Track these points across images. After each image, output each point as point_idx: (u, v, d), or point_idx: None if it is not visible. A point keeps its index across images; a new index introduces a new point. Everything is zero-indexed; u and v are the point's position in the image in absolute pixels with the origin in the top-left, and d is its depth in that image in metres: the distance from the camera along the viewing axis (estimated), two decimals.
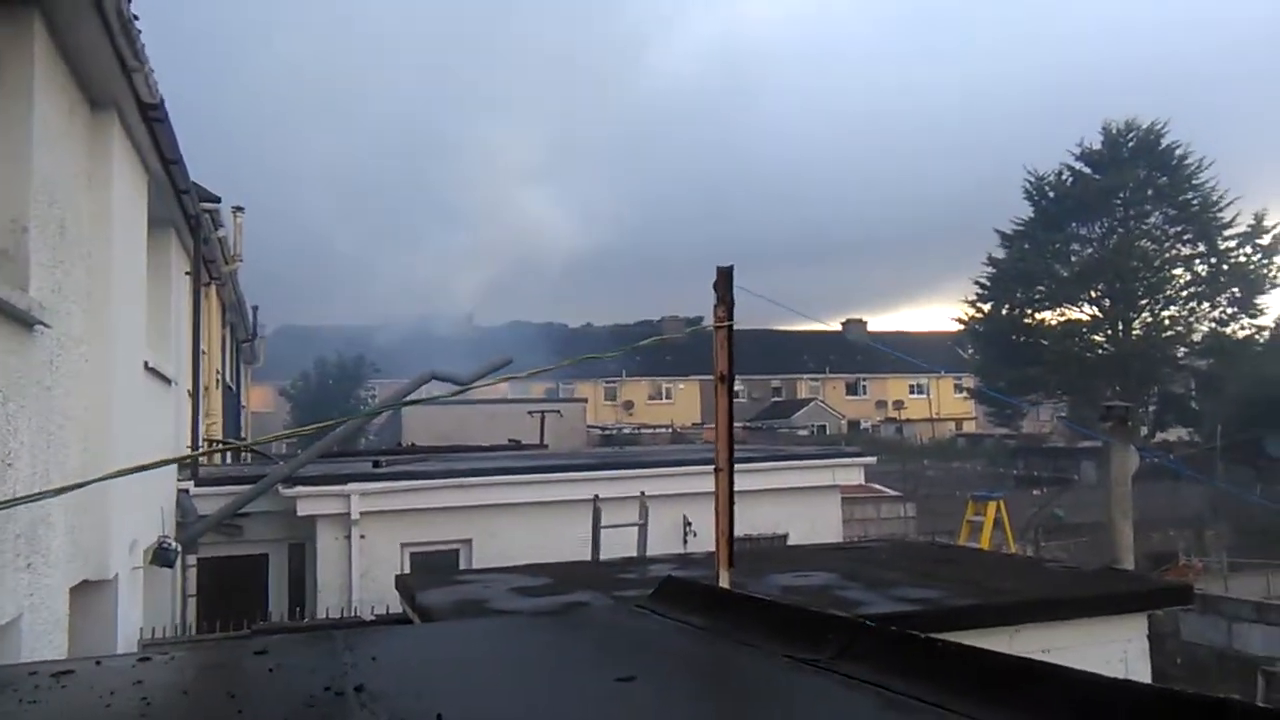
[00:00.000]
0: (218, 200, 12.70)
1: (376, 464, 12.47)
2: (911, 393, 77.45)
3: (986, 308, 50.43)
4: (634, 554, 9.61)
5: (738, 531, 12.90)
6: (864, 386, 79.51)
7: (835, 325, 75.61)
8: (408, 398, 11.35)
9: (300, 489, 10.70)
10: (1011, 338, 49.32)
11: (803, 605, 3.17)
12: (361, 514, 10.70)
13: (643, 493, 10.29)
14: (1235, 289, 45.77)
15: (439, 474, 11.47)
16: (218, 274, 14.00)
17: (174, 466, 10.40)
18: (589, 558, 9.73)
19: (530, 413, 22.86)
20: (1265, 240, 45.33)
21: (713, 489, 12.86)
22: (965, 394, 68.91)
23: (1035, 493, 34.11)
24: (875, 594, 6.44)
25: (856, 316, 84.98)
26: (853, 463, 13.43)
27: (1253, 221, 45.49)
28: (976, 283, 50.67)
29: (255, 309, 24.35)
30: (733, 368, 3.79)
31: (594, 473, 11.46)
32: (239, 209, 16.18)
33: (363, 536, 10.77)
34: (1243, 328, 46.52)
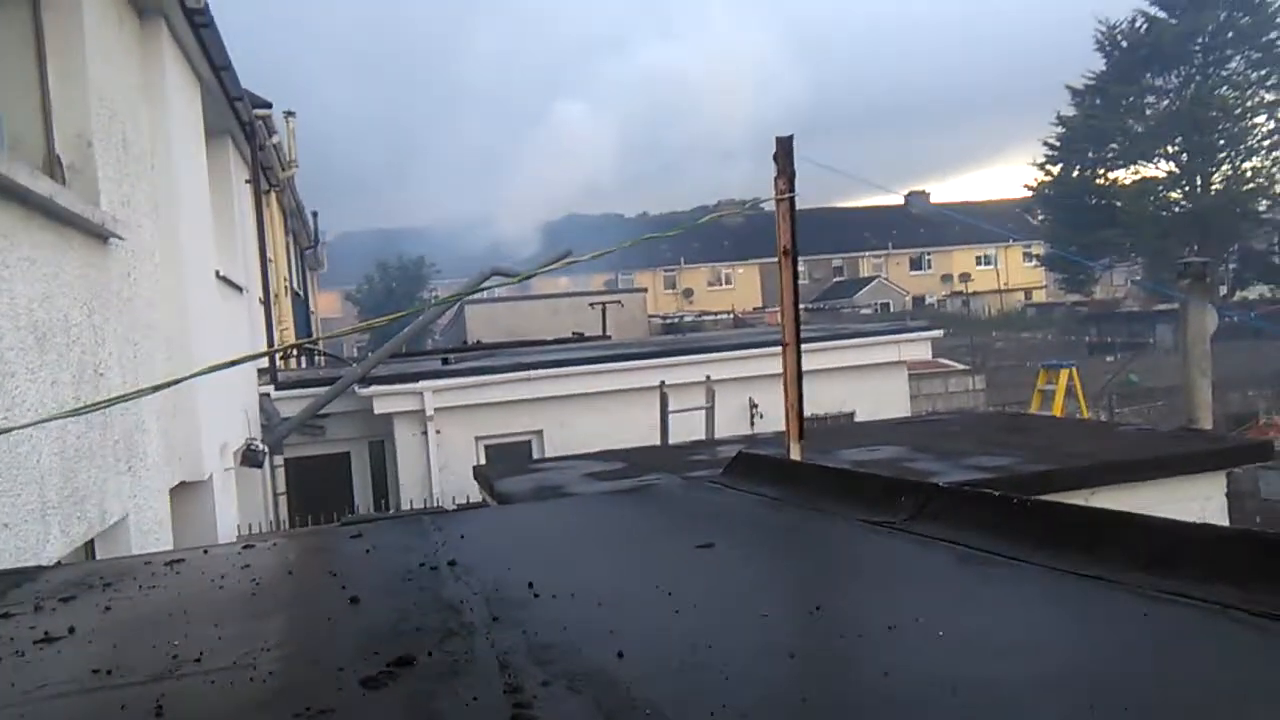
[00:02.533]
0: (269, 106, 12.73)
1: (446, 361, 12.73)
2: (979, 264, 75.61)
3: (1056, 170, 48.53)
4: (702, 437, 9.75)
5: (805, 412, 12.90)
6: (929, 261, 77.80)
7: (897, 198, 73.66)
8: (489, 295, 11.47)
9: (376, 388, 11.01)
10: (1084, 199, 47.52)
11: (873, 473, 3.20)
12: (436, 410, 10.99)
13: (708, 376, 10.36)
14: None
15: (508, 368, 11.68)
16: (276, 181, 14.13)
17: (254, 372, 10.76)
18: (658, 443, 9.90)
19: (592, 304, 22.98)
20: None
21: (777, 371, 12.86)
22: (1035, 262, 67.10)
23: (1109, 359, 33.45)
24: (947, 463, 6.46)
25: (919, 188, 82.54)
26: (919, 337, 13.29)
27: None
28: (1046, 144, 48.64)
29: (315, 214, 24.61)
30: (795, 242, 3.75)
31: (659, 359, 11.56)
32: (290, 114, 16.19)
33: (438, 431, 11.09)
34: None
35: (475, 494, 9.00)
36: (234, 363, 4.51)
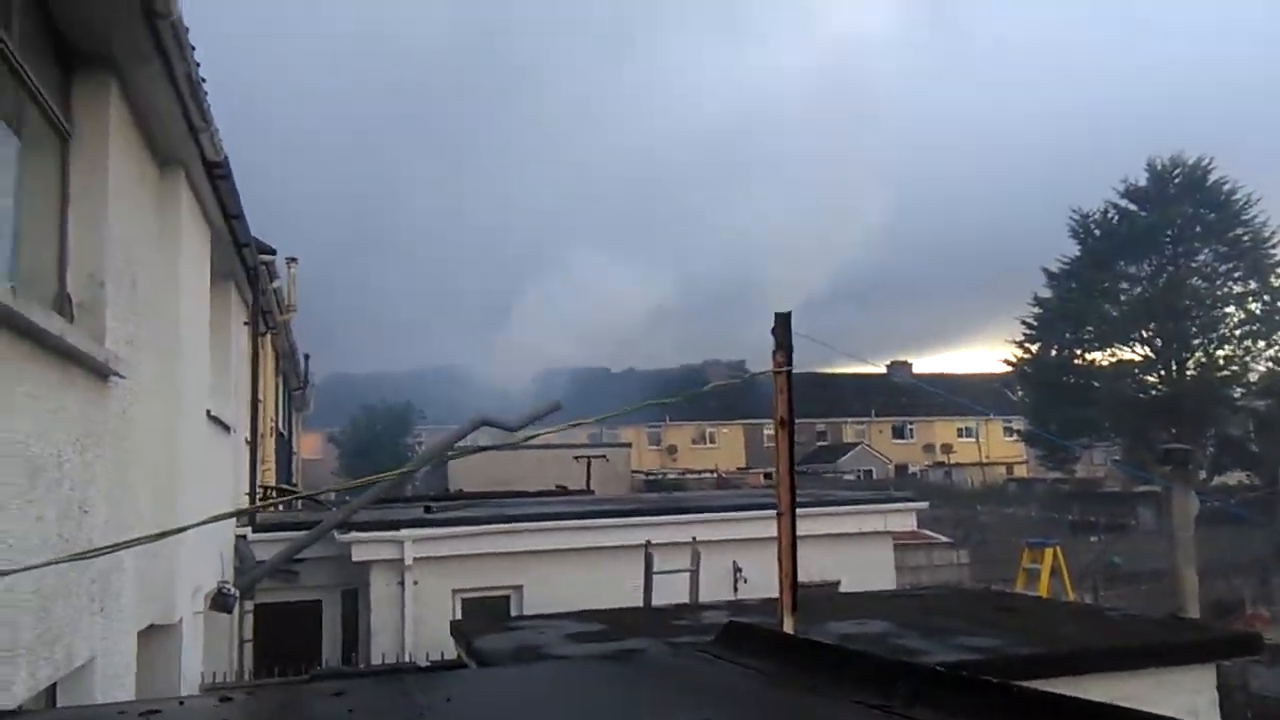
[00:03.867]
0: (274, 252, 13.09)
1: (428, 509, 12.59)
2: (960, 436, 76.33)
3: (1034, 348, 49.67)
4: (685, 600, 9.57)
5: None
6: (911, 430, 78.52)
7: (880, 367, 74.96)
8: (458, 443, 11.48)
9: (355, 534, 10.84)
10: (1061, 379, 48.43)
11: (868, 652, 3.16)
12: (414, 559, 10.80)
13: (694, 538, 10.27)
14: None
15: (490, 519, 11.55)
16: (273, 323, 14.35)
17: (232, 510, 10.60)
18: (640, 604, 9.71)
19: (576, 458, 22.93)
20: None
21: (763, 535, 12.75)
22: (1015, 437, 67.68)
23: (1091, 539, 33.30)
24: (935, 642, 6.35)
25: (901, 358, 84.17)
26: (905, 508, 13.27)
27: None
28: (1024, 323, 49.99)
29: (307, 357, 24.84)
30: (792, 413, 3.83)
31: (645, 518, 11.47)
32: (293, 260, 16.61)
33: (415, 582, 10.86)
34: None
35: (450, 649, 8.73)
36: (218, 518, 4.48)
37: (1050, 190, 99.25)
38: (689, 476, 51.31)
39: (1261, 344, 45.71)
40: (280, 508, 18.34)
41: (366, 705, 2.77)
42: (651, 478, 48.86)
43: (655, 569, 9.64)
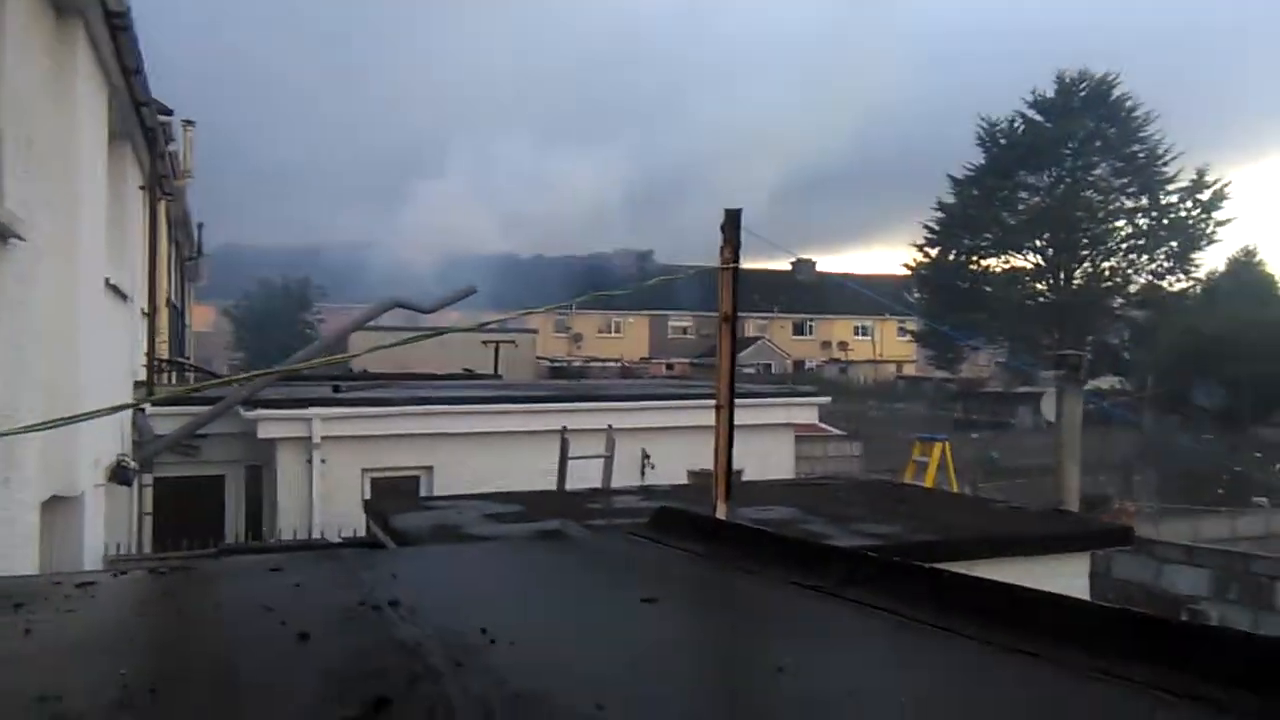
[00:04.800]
0: (171, 113, 12.33)
1: (336, 389, 12.42)
2: (856, 334, 78.55)
3: (934, 253, 51.15)
4: (597, 485, 9.77)
5: (694, 466, 13.11)
6: (811, 327, 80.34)
7: (784, 264, 75.97)
8: (374, 324, 11.27)
9: (261, 412, 10.64)
10: (957, 283, 50.20)
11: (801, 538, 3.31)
12: (323, 438, 10.69)
13: (610, 425, 10.43)
14: (1173, 243, 47.03)
15: (402, 400, 11.48)
16: (169, 189, 13.61)
17: (129, 383, 10.25)
18: (551, 488, 9.87)
19: (485, 342, 22.79)
20: (1205, 195, 46.50)
21: (670, 424, 12.99)
22: (908, 337, 70.11)
23: (973, 436, 35.13)
24: (839, 528, 6.68)
25: (806, 256, 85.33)
26: (808, 402, 13.71)
27: (1194, 176, 46.58)
28: (926, 227, 51.29)
29: (201, 226, 23.73)
30: (736, 309, 3.89)
31: (559, 404, 11.57)
32: (190, 122, 15.68)
33: (324, 460, 10.78)
34: (1178, 281, 47.96)
35: (359, 528, 8.76)
36: (123, 407, 4.33)
37: (975, 95, 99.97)
38: (594, 365, 51.68)
39: (1145, 258, 48.06)
40: (172, 380, 17.80)
41: (313, 581, 2.78)
42: (557, 365, 49.05)
43: (570, 455, 9.80)
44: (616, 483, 10.37)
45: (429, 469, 11.25)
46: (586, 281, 49.39)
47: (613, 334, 72.38)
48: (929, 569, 2.53)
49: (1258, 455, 27.72)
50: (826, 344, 79.36)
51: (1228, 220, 46.88)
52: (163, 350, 16.46)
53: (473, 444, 11.18)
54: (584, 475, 10.05)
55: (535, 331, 43.17)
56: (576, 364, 52.86)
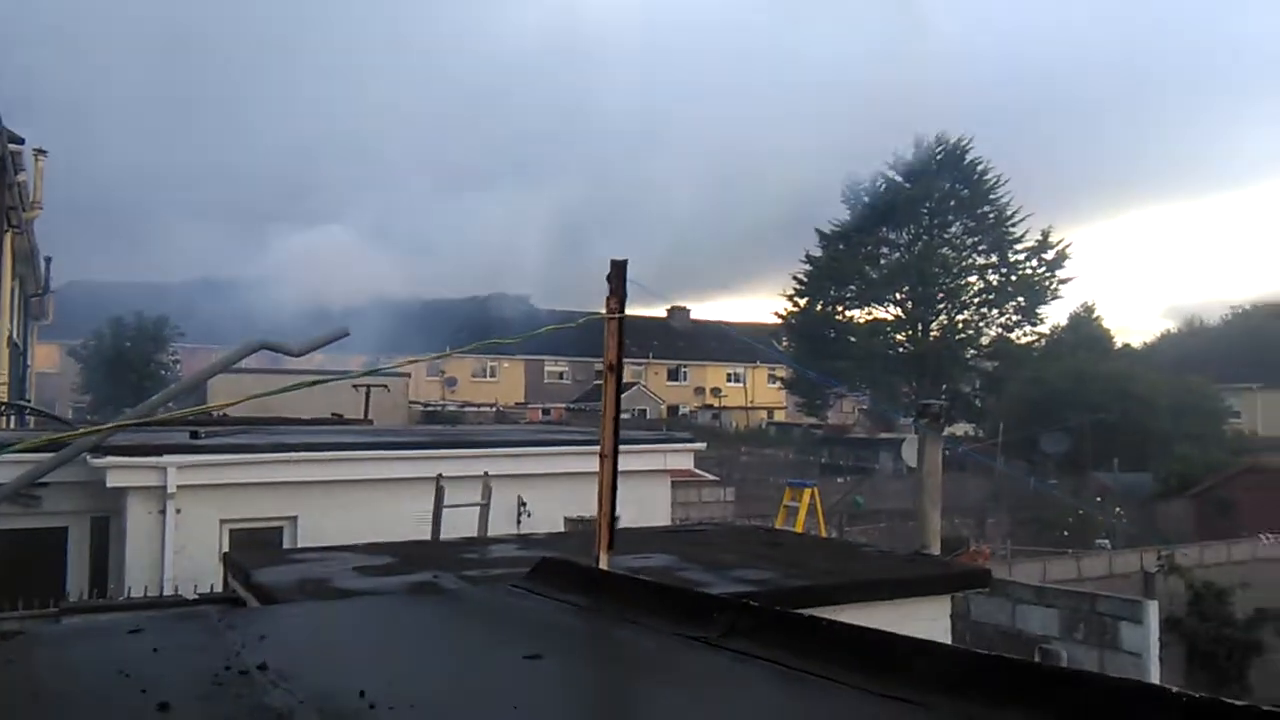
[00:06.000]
0: (21, 142, 11.66)
1: (195, 434, 11.80)
2: (729, 381, 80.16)
3: (803, 302, 52.95)
4: (472, 534, 9.58)
5: (571, 513, 13.01)
6: (684, 373, 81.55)
7: (660, 311, 77.13)
8: (235, 366, 10.80)
9: (111, 459, 10.00)
10: (823, 332, 52.06)
11: (683, 587, 3.33)
12: (179, 487, 10.12)
13: (486, 472, 10.26)
14: (1021, 298, 50.12)
15: (263, 447, 11.00)
16: (16, 221, 12.81)
17: None
18: (424, 537, 9.62)
19: (355, 386, 22.16)
20: (1049, 255, 49.83)
21: (547, 470, 12.90)
22: (778, 384, 71.98)
23: (839, 480, 36.19)
24: (714, 575, 6.74)
25: (680, 303, 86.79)
26: (684, 448, 13.85)
27: (1039, 237, 49.91)
28: (795, 278, 53.12)
29: (49, 260, 22.38)
30: (621, 358, 3.91)
31: (433, 450, 11.31)
32: (41, 151, 14.84)
33: (179, 511, 10.19)
34: (1025, 334, 51.05)
35: (217, 583, 8.30)
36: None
37: (852, 148, 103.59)
38: (468, 410, 50.94)
39: (995, 311, 51.04)
40: (10, 423, 16.60)
41: (172, 642, 2.62)
42: (430, 409, 48.11)
43: (445, 503, 9.58)
44: (493, 531, 10.19)
45: (293, 519, 10.78)
46: (465, 326, 48.85)
47: (488, 378, 71.57)
48: (809, 618, 2.59)
49: (1098, 499, 29.56)
50: (700, 390, 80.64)
51: (1069, 279, 50.41)
52: (1, 393, 15.35)
53: (340, 492, 10.79)
54: (459, 524, 9.84)
55: (408, 375, 42.21)
56: (451, 408, 51.96)
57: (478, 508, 9.51)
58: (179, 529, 10.20)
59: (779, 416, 73.75)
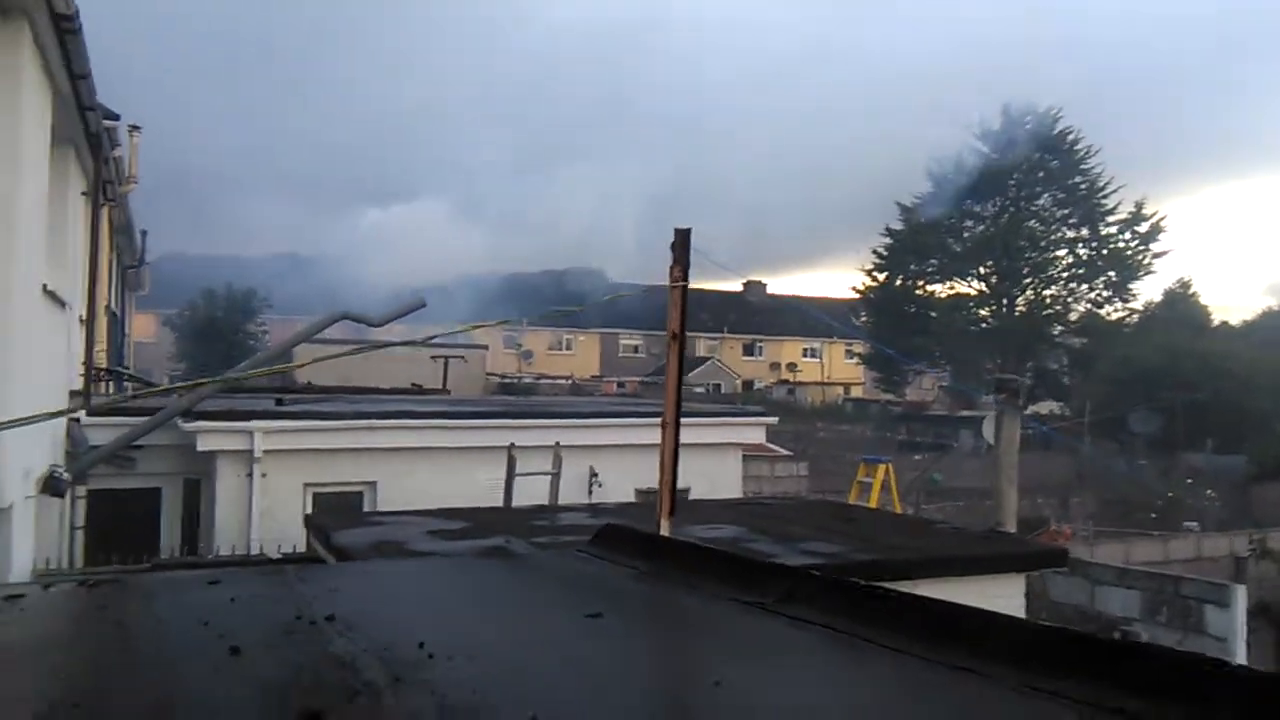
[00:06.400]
0: (117, 118, 12.09)
1: (280, 401, 12.22)
2: (805, 356, 79.36)
3: (882, 277, 51.98)
4: (543, 502, 9.73)
5: (642, 484, 13.11)
6: (760, 348, 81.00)
7: (736, 285, 76.66)
8: (319, 336, 11.12)
9: (201, 424, 10.42)
10: (903, 307, 51.06)
11: (742, 554, 3.33)
12: (265, 452, 10.50)
13: (557, 442, 10.40)
14: (1112, 273, 48.34)
15: (346, 415, 11.33)
16: (112, 195, 13.33)
17: (65, 392, 9.99)
18: (496, 504, 9.81)
19: (434, 357, 22.60)
20: (1143, 228, 47.90)
21: (618, 441, 13.00)
22: (856, 359, 71.01)
23: (916, 457, 35.62)
24: (783, 547, 6.73)
25: (756, 278, 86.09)
26: (755, 422, 13.81)
27: (1133, 209, 47.99)
28: (875, 252, 52.13)
29: (144, 233, 23.25)
30: (684, 327, 3.92)
31: (506, 420, 11.50)
32: (135, 128, 15.40)
33: (265, 475, 10.58)
34: (1116, 310, 49.27)
35: (299, 544, 8.61)
36: (56, 414, 4.23)
37: (926, 123, 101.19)
38: (544, 382, 51.50)
39: (1084, 287, 49.32)
40: (109, 389, 17.37)
41: (249, 594, 2.73)
42: (506, 381, 48.80)
43: (517, 472, 9.74)
44: (563, 500, 10.34)
45: (373, 484, 11.10)
46: (542, 300, 49.35)
47: (564, 351, 72.22)
48: (866, 586, 2.57)
49: (1189, 481, 28.52)
50: (775, 365, 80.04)
51: (1164, 252, 48.39)
52: (101, 359, 16.07)
53: (417, 459, 11.07)
54: (531, 492, 10.00)
55: (485, 348, 42.86)
56: (526, 380, 52.62)
57: (549, 477, 9.63)
58: (265, 492, 10.59)
59: (856, 393, 72.76)
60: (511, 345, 70.02)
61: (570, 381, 53.00)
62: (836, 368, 76.67)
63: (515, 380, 51.68)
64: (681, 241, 3.81)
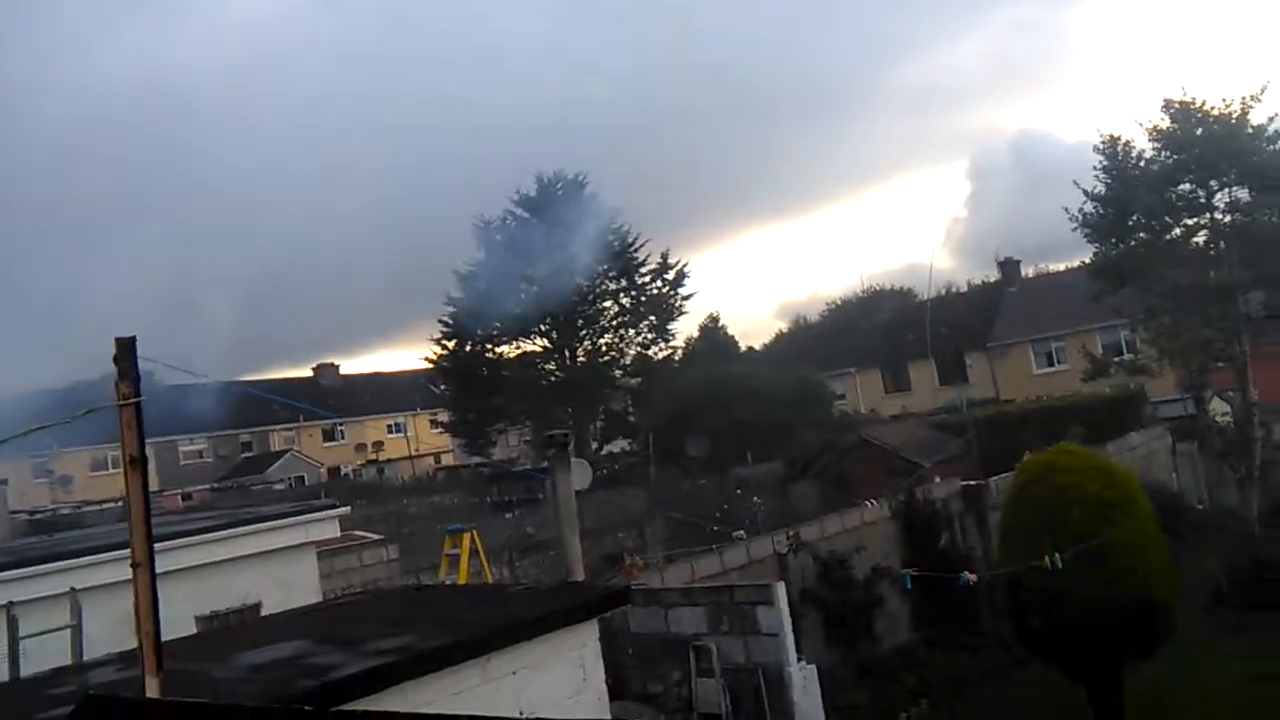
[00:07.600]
0: None
1: None
2: (390, 432, 77.73)
3: (451, 344, 52.73)
4: (64, 663, 8.30)
5: (202, 610, 11.83)
6: (341, 431, 77.97)
7: (306, 371, 73.14)
8: None
9: None
10: (477, 371, 52.20)
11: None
12: None
13: (72, 588, 8.94)
14: (652, 317, 53.63)
15: None
16: None
17: None
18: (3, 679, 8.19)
19: None
20: (670, 275, 53.82)
21: (173, 566, 11.58)
22: (440, 429, 71.03)
23: (508, 515, 36.26)
24: (347, 654, 6.36)
25: (328, 361, 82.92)
26: (326, 516, 13.08)
27: (660, 260, 53.81)
28: (441, 321, 52.77)
29: None
30: (144, 450, 3.50)
31: (4, 574, 9.65)
32: None
33: None
34: (661, 349, 54.67)
35: None
36: None
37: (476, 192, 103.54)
38: (88, 510, 44.80)
39: (632, 332, 54.13)
40: None
41: None
42: (37, 517, 41.68)
43: (23, 634, 8.19)
44: (99, 652, 8.90)
45: None
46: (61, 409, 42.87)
47: (110, 470, 63.45)
48: (313, 712, 2.45)
49: (739, 491, 32.16)
50: (361, 446, 77.46)
51: (691, 294, 54.73)
52: None
53: None
54: (51, 653, 8.48)
55: (5, 482, 36.20)
56: (65, 512, 45.36)
57: (68, 630, 8.26)
58: None
59: (447, 460, 72.77)
60: (42, 474, 60.20)
61: (122, 503, 46.61)
62: (425, 438, 76.08)
63: (52, 514, 44.35)
64: (125, 352, 3.41)
